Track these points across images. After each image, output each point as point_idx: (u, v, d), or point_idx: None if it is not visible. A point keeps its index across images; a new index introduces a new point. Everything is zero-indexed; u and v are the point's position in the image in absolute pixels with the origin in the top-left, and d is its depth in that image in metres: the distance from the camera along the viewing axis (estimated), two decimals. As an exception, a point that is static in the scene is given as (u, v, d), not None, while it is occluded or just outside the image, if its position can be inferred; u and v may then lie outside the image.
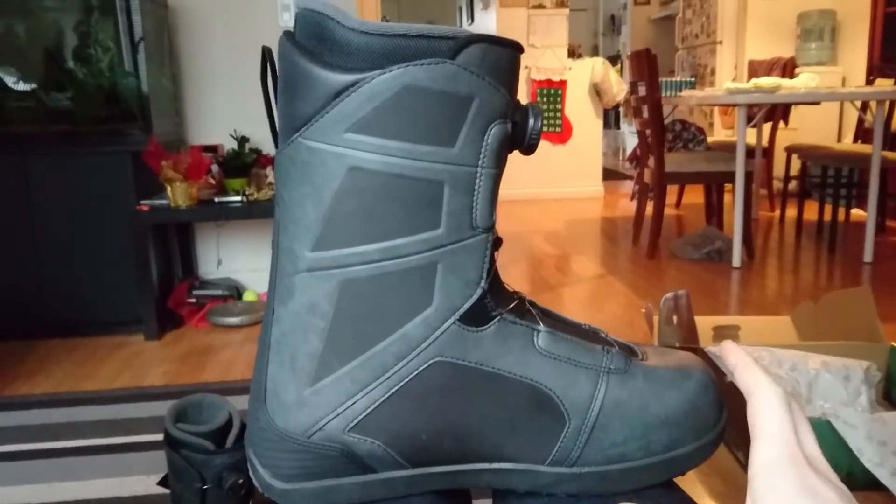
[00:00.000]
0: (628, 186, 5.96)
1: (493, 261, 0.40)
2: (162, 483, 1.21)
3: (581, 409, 0.40)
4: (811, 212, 4.29)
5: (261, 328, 0.42)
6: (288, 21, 2.76)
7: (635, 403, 0.41)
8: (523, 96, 5.20)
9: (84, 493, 1.50)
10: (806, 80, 3.30)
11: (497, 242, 0.40)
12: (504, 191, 5.33)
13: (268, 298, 0.41)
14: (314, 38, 0.36)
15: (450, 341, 0.38)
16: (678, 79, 4.70)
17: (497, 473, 0.41)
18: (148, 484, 1.50)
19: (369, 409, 0.39)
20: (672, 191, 4.96)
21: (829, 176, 3.75)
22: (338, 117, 0.35)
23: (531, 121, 0.39)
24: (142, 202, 2.42)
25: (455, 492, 0.45)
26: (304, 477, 0.40)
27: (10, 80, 2.48)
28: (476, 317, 0.39)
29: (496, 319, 0.39)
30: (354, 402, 0.39)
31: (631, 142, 7.23)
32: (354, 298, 0.38)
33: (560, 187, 5.46)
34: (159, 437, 1.57)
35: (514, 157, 5.22)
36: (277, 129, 0.39)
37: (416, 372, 0.38)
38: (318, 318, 0.38)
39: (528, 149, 0.40)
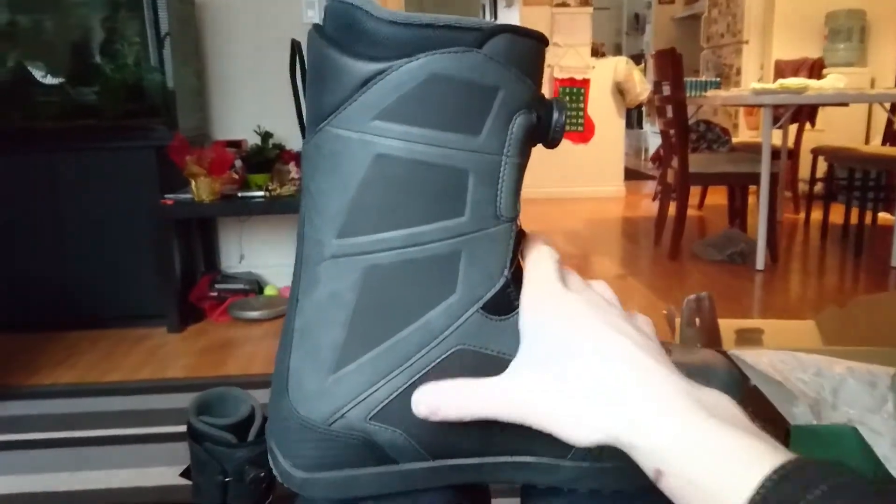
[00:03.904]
0: (650, 187, 5.92)
1: (516, 251, 0.40)
2: (184, 474, 1.22)
3: None
4: (837, 215, 4.22)
5: (284, 320, 0.42)
6: (312, 17, 2.77)
7: None
8: (546, 95, 5.18)
9: (106, 483, 1.52)
10: (833, 81, 3.26)
11: (520, 235, 0.40)
12: (525, 190, 5.26)
13: (291, 290, 0.41)
14: (343, 29, 0.36)
15: (472, 330, 0.38)
16: (703, 79, 4.66)
17: (518, 467, 0.41)
18: (169, 475, 1.51)
19: (391, 398, 0.38)
20: (695, 192, 4.91)
21: (856, 178, 3.70)
22: (365, 105, 0.36)
23: (556, 114, 0.39)
24: (166, 196, 2.45)
25: (474, 489, 0.45)
26: (324, 467, 0.40)
27: (38, 75, 2.51)
28: (499, 306, 0.39)
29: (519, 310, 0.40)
30: (376, 390, 0.38)
31: (653, 142, 7.18)
32: (378, 286, 0.38)
33: (581, 187, 5.43)
34: (180, 428, 1.58)
35: (536, 157, 5.19)
36: (305, 120, 0.40)
37: (438, 360, 0.38)
38: (342, 307, 0.38)
39: (552, 142, 0.40)
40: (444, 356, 0.38)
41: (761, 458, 0.30)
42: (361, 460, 0.40)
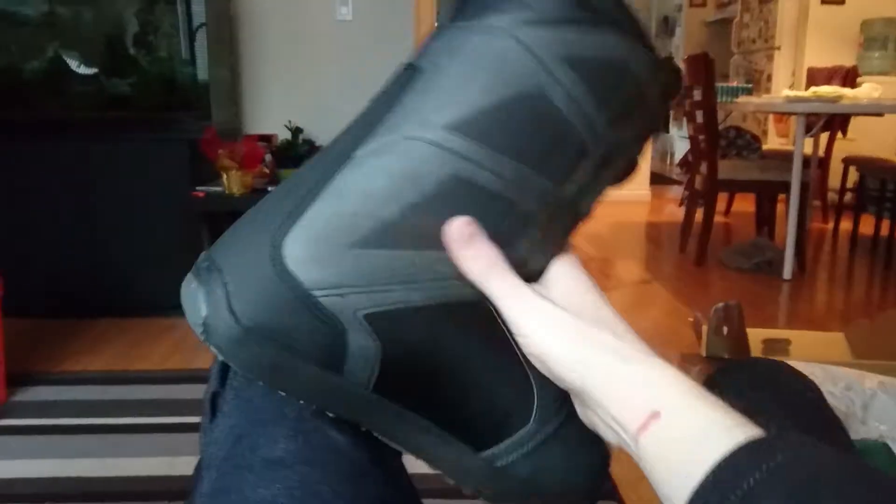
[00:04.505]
0: (675, 192, 5.87)
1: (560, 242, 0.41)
2: (214, 466, 1.23)
3: (547, 417, 0.39)
4: (867, 226, 4.16)
5: (320, 159, 0.37)
6: (345, 15, 2.79)
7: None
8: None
9: (134, 470, 1.54)
10: (869, 90, 3.22)
11: None
12: (549, 191, 5.30)
13: (348, 141, 0.36)
14: None
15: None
16: (734, 84, 4.61)
17: (432, 439, 0.38)
18: (196, 465, 1.53)
19: (399, 307, 0.35)
20: (721, 198, 4.86)
21: (887, 189, 3.65)
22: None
23: (639, 155, 0.39)
24: (197, 189, 2.47)
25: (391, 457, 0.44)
26: (268, 334, 0.34)
27: (73, 65, 2.55)
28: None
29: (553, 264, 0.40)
30: (392, 291, 0.34)
31: (679, 146, 7.12)
32: (454, 197, 0.35)
33: (606, 190, 5.39)
34: (208, 419, 1.60)
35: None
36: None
37: (454, 300, 0.36)
38: (414, 190, 0.34)
39: (623, 175, 0.40)
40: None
41: (726, 431, 0.29)
42: (313, 353, 0.34)
